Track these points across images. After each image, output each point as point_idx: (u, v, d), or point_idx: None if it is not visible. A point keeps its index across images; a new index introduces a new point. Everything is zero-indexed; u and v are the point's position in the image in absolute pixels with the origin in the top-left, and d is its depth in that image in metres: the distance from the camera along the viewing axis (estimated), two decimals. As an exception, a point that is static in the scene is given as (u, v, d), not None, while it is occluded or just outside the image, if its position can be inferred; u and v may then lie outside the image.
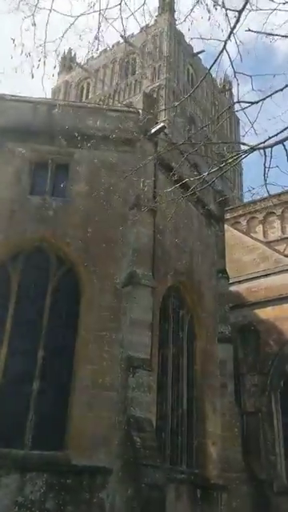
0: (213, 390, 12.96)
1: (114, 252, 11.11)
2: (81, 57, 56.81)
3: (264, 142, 6.44)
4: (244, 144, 7.06)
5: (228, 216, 27.19)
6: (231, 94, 58.63)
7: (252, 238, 23.52)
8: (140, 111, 12.92)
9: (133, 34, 51.46)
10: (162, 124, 12.59)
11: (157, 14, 51.26)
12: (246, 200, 34.55)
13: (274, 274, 20.51)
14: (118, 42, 52.23)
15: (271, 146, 6.42)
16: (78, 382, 9.90)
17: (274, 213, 27.03)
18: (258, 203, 28.24)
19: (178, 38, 49.75)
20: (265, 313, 19.93)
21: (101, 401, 9.71)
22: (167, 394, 11.52)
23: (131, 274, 10.65)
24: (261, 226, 27.18)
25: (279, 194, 26.70)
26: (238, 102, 6.95)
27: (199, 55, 52.56)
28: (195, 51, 51.95)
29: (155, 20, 50.64)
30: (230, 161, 7.40)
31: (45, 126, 12.37)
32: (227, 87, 57.35)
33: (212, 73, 7.62)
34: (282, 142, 6.26)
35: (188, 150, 10.61)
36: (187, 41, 51.58)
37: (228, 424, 12.78)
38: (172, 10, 51.57)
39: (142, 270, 10.78)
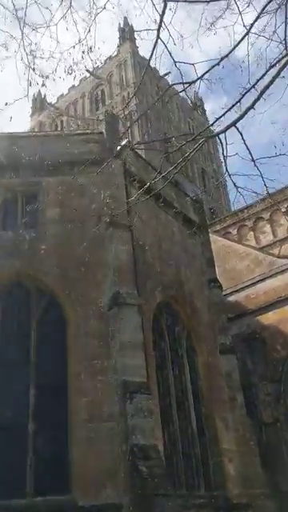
0: (222, 404, 12.31)
1: (94, 275, 10.65)
2: (50, 95, 57.30)
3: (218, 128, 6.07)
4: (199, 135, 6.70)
5: (218, 227, 26.93)
6: (204, 111, 59.37)
7: (243, 244, 23.09)
8: (104, 132, 12.66)
9: (98, 66, 52.02)
10: (126, 140, 12.29)
11: (118, 43, 52.24)
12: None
13: (270, 277, 20.02)
14: (85, 77, 52.87)
15: (224, 131, 6.07)
16: (74, 417, 9.30)
17: (262, 218, 26.68)
18: (246, 210, 27.92)
19: (142, 63, 50.39)
20: (267, 318, 19.36)
21: (100, 434, 9.09)
22: (172, 415, 10.87)
23: (115, 295, 10.16)
24: (252, 232, 26.80)
25: (264, 199, 26.44)
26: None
27: (166, 77, 53.03)
28: (161, 74, 52.71)
29: (118, 50, 51.55)
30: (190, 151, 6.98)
31: (9, 160, 12.06)
32: (198, 104, 58.08)
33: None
34: (233, 124, 5.91)
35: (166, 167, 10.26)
36: (152, 65, 52.42)
37: (242, 438, 12.07)
38: (132, 38, 52.46)
39: (125, 288, 10.29)
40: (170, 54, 6.59)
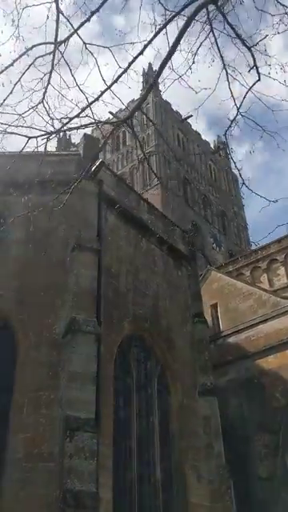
0: (195, 452, 11.04)
1: (53, 300, 9.87)
2: (74, 138, 58.62)
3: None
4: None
5: (230, 268, 25.97)
6: (226, 154, 59.31)
7: (246, 283, 21.98)
8: (81, 153, 12.19)
9: (120, 109, 53.09)
10: (100, 160, 11.74)
11: (142, 88, 53.30)
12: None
13: (272, 318, 18.79)
14: (108, 118, 53.53)
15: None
16: (10, 454, 8.29)
17: (276, 260, 25.61)
18: (260, 252, 26.98)
19: (164, 106, 51.12)
20: (267, 363, 18.01)
21: (36, 475, 8.05)
22: (131, 461, 9.69)
23: (70, 321, 9.31)
24: (265, 274, 25.68)
25: (279, 240, 25.59)
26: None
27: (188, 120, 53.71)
28: (184, 117, 53.40)
29: (140, 93, 52.53)
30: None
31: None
32: (221, 147, 58.16)
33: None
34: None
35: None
36: (174, 108, 53.22)
37: (217, 492, 10.70)
38: (156, 82, 53.18)
39: (83, 315, 9.45)
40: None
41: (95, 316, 9.60)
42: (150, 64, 54.36)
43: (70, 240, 10.59)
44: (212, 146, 58.38)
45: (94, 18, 7.07)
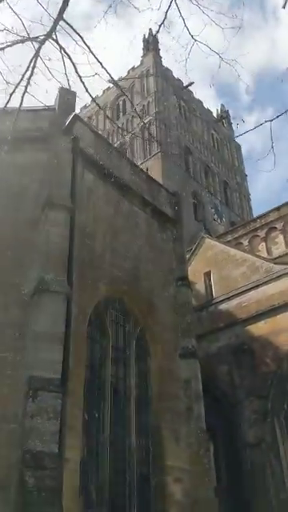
0: (175, 414, 10.81)
1: (21, 260, 9.51)
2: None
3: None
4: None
5: (229, 237, 25.52)
6: (229, 123, 58.01)
7: (240, 249, 21.55)
8: (56, 108, 11.64)
9: (121, 77, 52.00)
10: (73, 113, 11.21)
11: (142, 54, 51.92)
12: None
13: (264, 284, 18.44)
14: (108, 88, 52.73)
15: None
16: (-26, 415, 8.07)
17: (275, 228, 25.08)
18: (258, 220, 26.51)
19: (165, 74, 49.75)
20: (258, 328, 17.74)
21: (0, 436, 7.83)
22: (103, 423, 9.46)
23: (39, 281, 8.97)
24: (263, 243, 25.21)
25: (278, 208, 24.99)
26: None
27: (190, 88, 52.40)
28: (185, 84, 52.05)
29: (141, 61, 51.21)
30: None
31: None
32: (224, 116, 56.86)
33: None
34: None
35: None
36: (175, 76, 51.82)
37: (196, 456, 10.49)
38: (157, 49, 52.01)
39: (52, 275, 9.08)
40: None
41: (65, 276, 9.23)
42: (150, 29, 52.89)
43: (42, 198, 10.16)
44: (215, 114, 57.03)
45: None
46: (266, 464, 15.23)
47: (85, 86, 7.28)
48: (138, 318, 11.32)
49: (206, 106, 54.94)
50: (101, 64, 6.93)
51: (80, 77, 6.96)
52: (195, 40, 6.88)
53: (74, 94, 11.84)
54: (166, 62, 52.37)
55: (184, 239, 13.78)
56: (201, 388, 11.50)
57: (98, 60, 6.96)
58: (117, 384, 10.17)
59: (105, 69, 6.84)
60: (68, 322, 8.80)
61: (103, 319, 10.49)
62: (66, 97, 11.79)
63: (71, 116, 11.02)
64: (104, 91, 52.98)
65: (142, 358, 11.07)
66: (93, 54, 6.76)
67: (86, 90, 7.61)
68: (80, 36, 6.74)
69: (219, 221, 44.15)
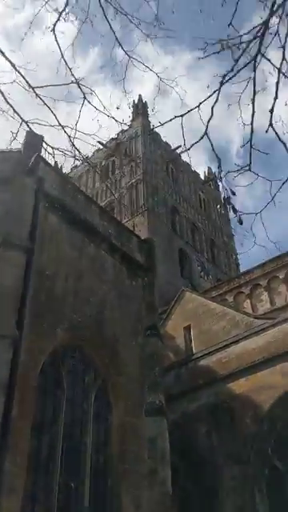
0: (136, 478, 9.72)
1: None
2: (65, 167, 58.40)
3: None
4: None
5: (214, 294, 24.95)
6: (216, 184, 59.12)
7: (220, 304, 20.90)
8: (21, 150, 11.38)
9: (111, 138, 53.23)
10: (36, 154, 10.91)
11: (131, 118, 53.56)
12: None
13: (244, 338, 17.61)
14: (98, 149, 53.74)
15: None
16: None
17: (260, 285, 24.67)
18: (243, 277, 26.18)
19: (153, 137, 51.08)
20: (238, 386, 16.72)
21: None
22: (51, 486, 8.39)
23: (-15, 323, 8.25)
24: (248, 300, 24.71)
25: (262, 265, 24.66)
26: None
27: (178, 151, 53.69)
28: (173, 148, 53.43)
29: (130, 124, 52.72)
30: None
31: None
32: (211, 177, 58.02)
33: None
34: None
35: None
36: (164, 139, 53.26)
37: (159, 525, 9.32)
38: (145, 114, 53.81)
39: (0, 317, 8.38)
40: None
41: (15, 319, 8.52)
42: (139, 96, 55.01)
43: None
44: (202, 176, 58.14)
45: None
46: (245, 538, 13.83)
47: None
48: (100, 369, 10.47)
49: (193, 168, 55.98)
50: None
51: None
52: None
53: (40, 138, 11.62)
54: (155, 123, 53.90)
55: (156, 287, 13.17)
56: (168, 448, 10.47)
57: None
58: (70, 442, 9.14)
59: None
60: (13, 369, 7.99)
61: (58, 368, 9.64)
62: (33, 140, 11.57)
63: (34, 157, 10.70)
64: (94, 152, 54.13)
65: (102, 414, 10.10)
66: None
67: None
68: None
69: (205, 278, 43.74)
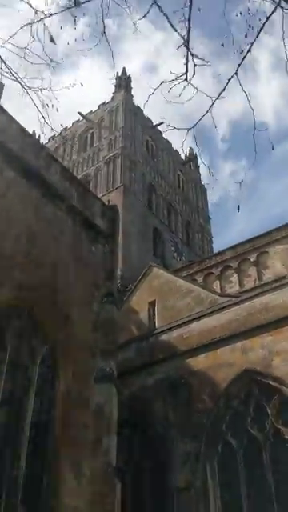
0: (79, 446, 9.37)
1: None
2: (42, 137, 57.04)
3: None
4: None
5: (185, 273, 24.60)
6: (196, 166, 58.59)
7: (186, 280, 20.61)
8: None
9: (91, 111, 52.24)
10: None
11: (113, 91, 52.34)
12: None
13: (207, 315, 17.36)
14: (78, 120, 52.81)
15: None
16: None
17: (230, 266, 24.45)
18: (214, 258, 25.91)
19: (134, 111, 50.08)
20: (197, 362, 16.51)
21: None
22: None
23: None
24: (218, 281, 24.49)
25: (234, 247, 24.43)
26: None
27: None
28: (154, 124, 52.54)
29: (112, 97, 51.55)
30: None
31: None
32: (191, 158, 57.46)
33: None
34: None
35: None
36: (146, 114, 52.30)
37: (98, 495, 9.02)
38: (129, 87, 52.66)
39: None
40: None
41: None
42: (123, 68, 53.74)
43: None
44: (183, 156, 57.39)
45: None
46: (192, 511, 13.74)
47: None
48: (48, 332, 10.01)
49: (174, 147, 55.20)
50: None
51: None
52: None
53: (1, 86, 10.92)
54: (138, 101, 52.89)
55: (117, 255, 12.67)
56: (115, 417, 10.16)
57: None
58: (10, 405, 8.71)
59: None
60: None
61: (2, 329, 9.14)
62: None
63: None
64: (73, 123, 52.99)
65: (48, 379, 9.68)
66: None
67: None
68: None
69: (178, 259, 43.46)
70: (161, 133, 53.50)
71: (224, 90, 4.96)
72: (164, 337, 18.17)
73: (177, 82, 4.94)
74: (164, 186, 48.69)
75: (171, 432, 15.51)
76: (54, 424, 9.27)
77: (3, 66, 6.22)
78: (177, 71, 5.38)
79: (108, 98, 51.36)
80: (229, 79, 4.68)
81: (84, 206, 12.42)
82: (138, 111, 50.81)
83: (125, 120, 47.61)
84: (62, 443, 9.13)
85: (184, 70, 5.14)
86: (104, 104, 51.08)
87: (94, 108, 51.58)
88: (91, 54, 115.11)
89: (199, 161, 59.41)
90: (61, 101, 7.21)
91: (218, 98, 4.99)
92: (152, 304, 19.92)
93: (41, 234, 10.75)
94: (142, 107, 52.14)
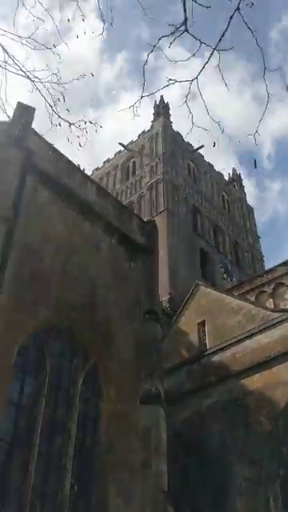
0: (127, 470, 8.82)
1: None
2: (87, 170, 58.28)
3: None
4: None
5: (235, 293, 23.89)
6: (241, 186, 57.84)
7: (236, 297, 19.85)
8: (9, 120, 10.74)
9: (132, 140, 53.00)
10: (23, 120, 10.25)
11: (152, 119, 52.96)
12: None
13: (259, 332, 16.51)
14: (119, 151, 53.69)
15: None
16: None
17: (283, 283, 23.54)
18: (265, 275, 25.07)
19: (174, 137, 50.35)
20: (252, 382, 15.63)
21: None
22: (26, 473, 7.58)
23: None
24: (271, 299, 23.57)
25: (286, 263, 23.58)
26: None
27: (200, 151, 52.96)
28: (195, 148, 52.54)
29: (151, 125, 52.13)
30: None
31: None
32: (235, 178, 56.88)
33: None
34: None
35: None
36: (186, 140, 52.44)
37: (150, 523, 8.39)
38: (167, 114, 53.19)
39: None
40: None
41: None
42: (161, 96, 54.40)
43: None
44: (226, 178, 56.90)
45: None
46: None
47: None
48: (90, 352, 9.65)
49: (217, 169, 54.87)
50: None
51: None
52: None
53: (32, 110, 11.00)
54: (178, 127, 53.27)
55: (157, 271, 12.27)
56: (164, 439, 9.54)
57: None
58: (52, 429, 8.33)
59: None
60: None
61: (42, 349, 8.85)
62: (24, 111, 10.95)
63: (20, 125, 10.05)
64: (115, 154, 53.89)
65: (91, 400, 9.26)
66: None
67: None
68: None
69: (229, 279, 42.41)
70: (202, 156, 53.47)
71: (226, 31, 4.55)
72: (216, 358, 17.42)
73: (177, 35, 4.58)
74: (208, 208, 48.15)
75: (229, 456, 14.63)
76: (100, 448, 8.78)
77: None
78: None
79: (148, 127, 52.06)
80: (230, 17, 4.28)
81: (120, 222, 12.18)
82: (177, 137, 51.06)
83: (165, 146, 47.84)
84: (109, 468, 8.61)
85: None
86: (144, 132, 51.67)
87: (135, 138, 52.36)
88: (131, 88, 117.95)
89: (243, 180, 58.92)
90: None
91: (220, 42, 4.60)
92: (201, 324, 19.26)
93: (77, 251, 10.54)
94: (181, 133, 52.60)
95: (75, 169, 11.84)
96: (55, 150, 11.34)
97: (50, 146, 11.35)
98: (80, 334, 9.68)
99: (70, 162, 11.64)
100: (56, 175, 10.88)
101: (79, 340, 9.62)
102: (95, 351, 9.73)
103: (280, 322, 16.11)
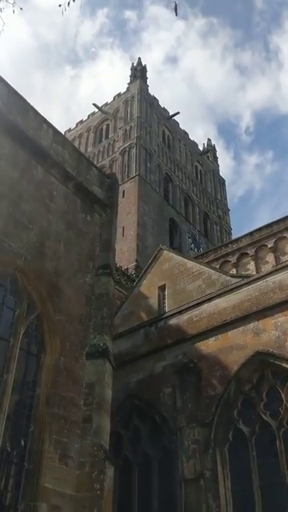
0: (66, 425, 8.49)
1: None
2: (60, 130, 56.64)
3: None
4: None
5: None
6: (214, 157, 57.32)
7: (196, 262, 19.58)
8: None
9: (106, 102, 51.55)
10: None
11: (128, 82, 51.47)
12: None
13: (218, 296, 16.30)
14: (93, 113, 52.24)
15: None
16: None
17: (247, 253, 23.35)
18: (230, 245, 24.82)
19: (150, 101, 49.20)
20: (207, 345, 15.49)
21: None
22: None
23: None
24: (234, 269, 23.36)
25: (250, 233, 23.37)
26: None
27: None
28: (171, 114, 51.53)
29: (127, 87, 50.69)
30: None
31: None
32: (209, 149, 56.25)
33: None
34: None
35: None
36: (162, 105, 51.34)
37: (87, 478, 8.12)
38: (144, 77, 51.78)
39: None
40: None
41: None
42: (139, 58, 52.80)
43: None
44: (201, 147, 56.28)
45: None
46: (201, 504, 12.73)
47: None
48: (35, 302, 9.16)
49: (191, 137, 54.12)
50: None
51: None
52: None
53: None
54: (154, 92, 51.97)
55: (115, 226, 11.77)
56: (108, 396, 9.23)
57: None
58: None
59: None
60: None
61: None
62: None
63: None
64: (89, 116, 52.45)
65: (32, 352, 8.83)
66: None
67: None
68: None
69: (196, 250, 42.39)
70: (178, 123, 52.56)
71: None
72: (173, 321, 17.19)
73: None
74: (181, 177, 47.64)
75: (179, 419, 14.56)
76: (39, 400, 8.40)
77: None
78: None
79: (124, 89, 50.59)
80: None
81: (78, 171, 11.56)
82: (153, 101, 49.88)
83: (140, 109, 46.71)
84: (47, 422, 8.26)
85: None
86: (119, 95, 50.23)
87: (110, 100, 50.87)
88: (111, 47, 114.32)
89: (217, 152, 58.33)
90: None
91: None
92: (162, 288, 18.98)
93: (27, 198, 9.91)
94: (159, 99, 51.34)
95: (30, 108, 11.04)
96: (7, 85, 10.52)
97: (9, 87, 10.54)
98: (24, 283, 9.16)
99: (24, 100, 10.84)
100: (8, 114, 10.12)
101: (23, 289, 9.11)
102: (41, 302, 9.25)
103: (238, 287, 15.92)
